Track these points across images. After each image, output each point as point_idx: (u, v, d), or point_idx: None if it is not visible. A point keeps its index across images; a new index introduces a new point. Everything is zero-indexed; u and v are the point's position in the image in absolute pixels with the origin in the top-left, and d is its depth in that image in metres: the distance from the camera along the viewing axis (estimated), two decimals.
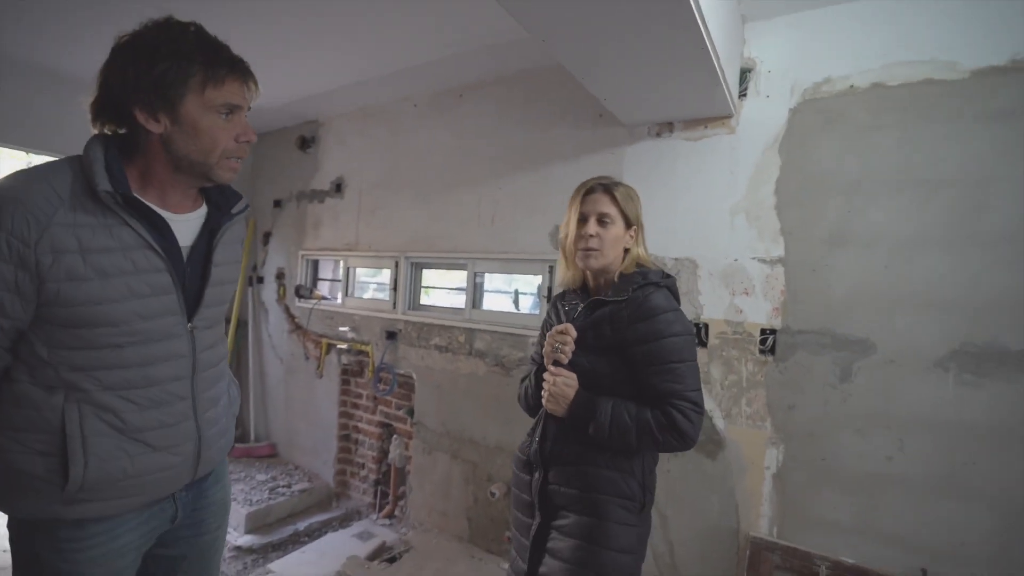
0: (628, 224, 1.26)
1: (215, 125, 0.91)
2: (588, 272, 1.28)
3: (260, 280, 4.01)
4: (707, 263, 2.06)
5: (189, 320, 1.00)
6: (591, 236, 1.22)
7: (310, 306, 3.53)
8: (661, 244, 2.18)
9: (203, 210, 1.03)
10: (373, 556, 2.62)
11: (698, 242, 2.09)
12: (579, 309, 1.25)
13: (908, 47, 1.74)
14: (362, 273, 3.48)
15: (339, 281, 3.53)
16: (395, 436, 3.10)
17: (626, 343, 1.16)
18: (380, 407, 3.23)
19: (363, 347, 3.21)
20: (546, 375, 1.23)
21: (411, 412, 3.00)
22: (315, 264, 3.71)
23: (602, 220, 1.23)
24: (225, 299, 1.09)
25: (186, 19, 0.91)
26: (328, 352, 3.43)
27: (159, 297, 0.94)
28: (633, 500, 1.19)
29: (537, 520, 1.24)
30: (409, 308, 3.05)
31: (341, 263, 3.48)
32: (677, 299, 1.25)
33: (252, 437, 3.88)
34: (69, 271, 0.84)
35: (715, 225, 2.05)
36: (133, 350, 0.92)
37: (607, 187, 1.25)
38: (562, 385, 1.18)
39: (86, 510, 0.93)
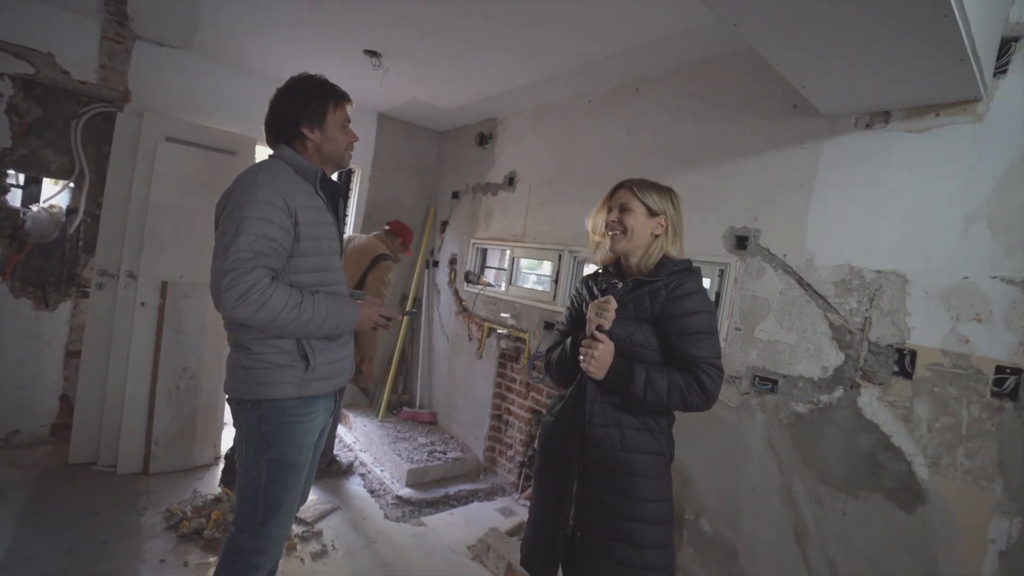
0: (652, 212, 1.45)
1: (341, 132, 1.52)
2: (622, 256, 1.50)
3: (436, 264, 4.44)
4: (921, 278, 1.79)
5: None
6: (613, 221, 1.46)
7: (476, 291, 3.81)
8: (858, 252, 1.93)
9: None
10: (512, 532, 2.73)
11: (910, 253, 1.82)
12: (617, 286, 1.46)
13: None
14: (524, 264, 3.66)
15: (504, 270, 3.72)
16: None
17: (663, 316, 1.37)
18: (532, 393, 3.34)
19: (521, 334, 3.34)
20: (585, 341, 1.39)
21: None
22: (484, 252, 4.00)
23: (624, 208, 1.45)
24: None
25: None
26: (489, 335, 3.66)
27: (334, 240, 1.53)
28: (663, 455, 1.39)
29: (575, 476, 1.39)
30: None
31: (508, 253, 3.67)
32: (701, 284, 1.45)
33: (417, 403, 4.33)
34: (305, 218, 1.40)
35: (938, 233, 1.77)
36: (333, 273, 1.51)
37: (628, 185, 1.47)
38: (603, 351, 1.35)
39: (313, 389, 1.43)
